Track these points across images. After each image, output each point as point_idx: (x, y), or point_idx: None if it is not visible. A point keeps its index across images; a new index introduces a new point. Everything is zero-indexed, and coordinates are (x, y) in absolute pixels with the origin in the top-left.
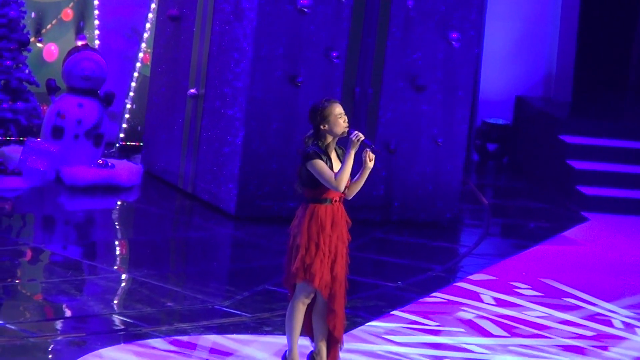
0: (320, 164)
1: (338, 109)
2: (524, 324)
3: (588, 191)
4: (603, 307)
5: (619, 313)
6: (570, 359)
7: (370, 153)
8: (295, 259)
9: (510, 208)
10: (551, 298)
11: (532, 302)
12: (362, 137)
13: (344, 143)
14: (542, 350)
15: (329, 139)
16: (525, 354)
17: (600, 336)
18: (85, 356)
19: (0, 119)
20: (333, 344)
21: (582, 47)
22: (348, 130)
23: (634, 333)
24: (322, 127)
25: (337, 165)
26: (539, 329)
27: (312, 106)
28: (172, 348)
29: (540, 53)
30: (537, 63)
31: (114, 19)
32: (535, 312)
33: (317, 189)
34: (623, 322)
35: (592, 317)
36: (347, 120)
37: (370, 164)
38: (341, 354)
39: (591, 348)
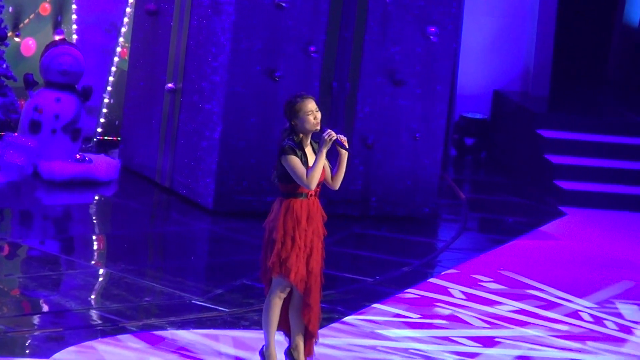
0: (294, 160)
1: (309, 106)
2: (500, 319)
3: (566, 186)
4: (575, 302)
5: (590, 307)
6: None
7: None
8: (271, 254)
9: (488, 203)
10: (523, 294)
11: (503, 296)
12: (334, 136)
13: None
14: (530, 342)
15: (302, 135)
16: (511, 346)
17: (573, 332)
18: (63, 351)
19: None
20: (308, 338)
21: (560, 42)
22: (321, 128)
23: (605, 326)
24: (292, 122)
25: (312, 159)
26: (515, 324)
27: (286, 101)
28: (150, 343)
29: (518, 47)
30: (515, 57)
31: (91, 14)
32: (508, 307)
33: (292, 183)
34: (593, 316)
35: (572, 314)
36: (318, 117)
37: (344, 151)
38: (318, 349)
39: (568, 342)
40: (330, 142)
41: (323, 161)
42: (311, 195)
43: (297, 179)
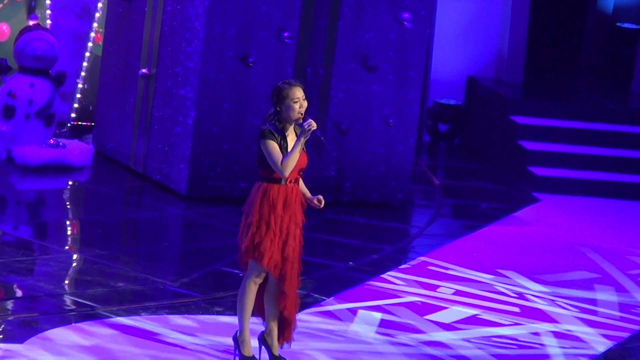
0: (271, 144)
1: (297, 94)
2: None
3: (539, 172)
4: (537, 289)
5: (557, 294)
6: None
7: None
8: (246, 238)
9: (462, 189)
10: (491, 280)
11: (469, 284)
12: (314, 126)
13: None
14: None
15: (285, 121)
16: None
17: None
18: (36, 336)
19: None
20: (286, 325)
21: (533, 28)
22: (303, 117)
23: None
24: (277, 107)
25: (292, 146)
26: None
27: (274, 85)
28: (123, 329)
29: (491, 33)
30: (489, 43)
31: None
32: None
33: (271, 167)
34: (557, 304)
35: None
36: (304, 106)
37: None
38: (294, 335)
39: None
40: (310, 132)
41: (299, 149)
42: (290, 181)
43: (272, 164)
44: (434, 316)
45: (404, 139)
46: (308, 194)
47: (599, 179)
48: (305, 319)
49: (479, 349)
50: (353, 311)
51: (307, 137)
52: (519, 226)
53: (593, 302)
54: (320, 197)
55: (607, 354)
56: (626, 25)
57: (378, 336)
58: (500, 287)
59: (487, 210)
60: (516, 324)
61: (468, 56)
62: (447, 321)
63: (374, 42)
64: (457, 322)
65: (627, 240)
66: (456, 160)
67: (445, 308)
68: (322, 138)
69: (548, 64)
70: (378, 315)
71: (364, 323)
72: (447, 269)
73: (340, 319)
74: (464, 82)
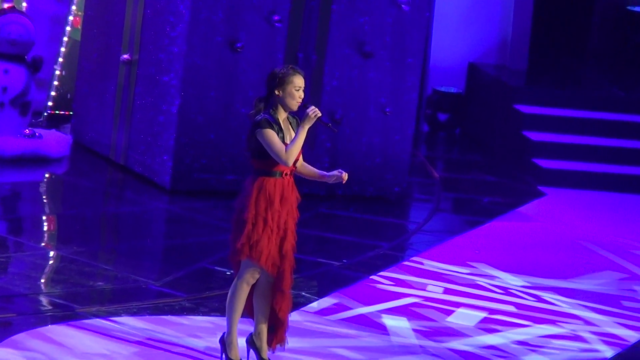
0: (271, 134)
1: (299, 81)
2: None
3: (545, 164)
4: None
5: (564, 299)
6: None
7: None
8: (240, 235)
9: (463, 182)
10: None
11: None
12: (319, 114)
13: (301, 117)
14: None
15: (281, 109)
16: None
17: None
18: (10, 338)
19: None
20: (279, 326)
21: (539, 11)
22: (306, 104)
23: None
24: (276, 91)
25: (288, 135)
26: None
27: (272, 69)
28: (103, 330)
29: (494, 17)
30: (491, 28)
31: None
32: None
33: (267, 160)
34: (572, 314)
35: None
36: (302, 96)
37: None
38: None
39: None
40: (315, 119)
41: (303, 137)
42: (286, 174)
43: (275, 155)
44: (453, 318)
45: (401, 129)
46: (320, 172)
47: (609, 172)
48: (295, 319)
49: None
50: (344, 312)
51: (311, 125)
52: (524, 222)
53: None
54: (340, 170)
55: None
56: (637, 8)
57: (399, 339)
58: (514, 290)
59: (490, 205)
60: (552, 323)
61: (469, 41)
62: (470, 324)
63: (369, 27)
64: (481, 324)
65: None
66: (457, 152)
67: (452, 311)
68: (330, 125)
69: (554, 50)
70: (403, 321)
71: (360, 326)
72: (446, 267)
73: (330, 321)
74: (465, 68)
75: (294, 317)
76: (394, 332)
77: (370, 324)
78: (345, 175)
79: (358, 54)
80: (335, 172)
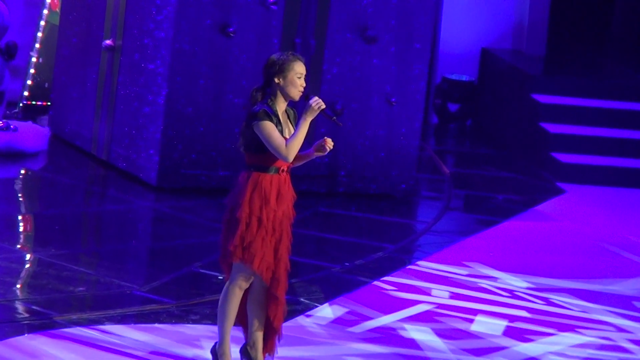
0: (270, 126)
1: (300, 68)
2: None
3: (564, 158)
4: (575, 303)
5: (589, 308)
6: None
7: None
8: (233, 236)
9: (475, 178)
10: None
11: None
12: (323, 105)
13: (300, 109)
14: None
15: (280, 99)
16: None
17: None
18: None
19: None
20: (270, 335)
21: None
22: (308, 95)
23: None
24: (276, 79)
25: (287, 129)
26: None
27: (270, 56)
28: (84, 340)
29: None
30: (507, 10)
31: None
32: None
33: (263, 155)
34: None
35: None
36: (304, 85)
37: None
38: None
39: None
40: (318, 111)
41: (305, 131)
42: (283, 170)
43: (274, 150)
44: (476, 326)
45: (408, 121)
46: (303, 152)
47: (633, 167)
48: (293, 329)
49: None
50: (350, 320)
51: (314, 117)
52: (541, 221)
53: None
54: (326, 138)
55: None
56: None
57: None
58: (529, 294)
59: (505, 203)
60: (581, 329)
61: (482, 25)
62: (496, 333)
63: (373, 9)
64: (508, 333)
65: None
66: (468, 145)
67: (471, 320)
68: (334, 118)
69: (575, 34)
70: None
71: (360, 336)
72: (456, 271)
73: (331, 328)
74: (478, 54)
75: (291, 325)
76: (426, 346)
77: (395, 338)
78: (329, 141)
79: (360, 38)
80: (317, 142)
